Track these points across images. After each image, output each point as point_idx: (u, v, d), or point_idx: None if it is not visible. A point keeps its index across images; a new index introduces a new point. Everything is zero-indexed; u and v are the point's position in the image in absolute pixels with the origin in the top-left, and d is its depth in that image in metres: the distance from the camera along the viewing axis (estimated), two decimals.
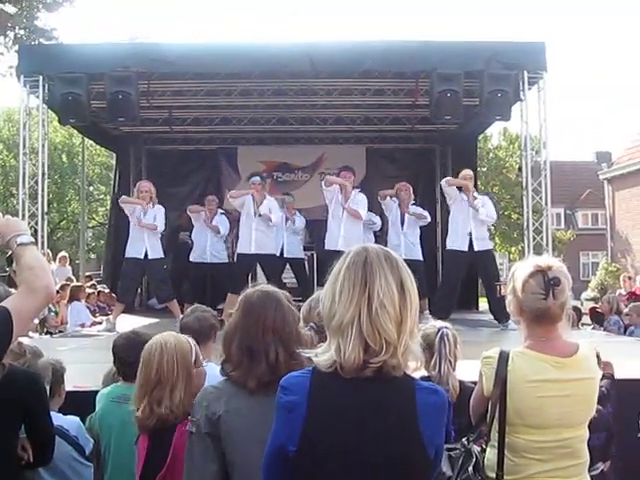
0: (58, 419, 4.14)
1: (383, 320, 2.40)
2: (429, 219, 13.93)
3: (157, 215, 12.45)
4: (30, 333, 10.89)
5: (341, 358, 2.40)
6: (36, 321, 12.07)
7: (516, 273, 3.55)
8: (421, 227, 13.66)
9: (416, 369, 2.57)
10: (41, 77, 12.95)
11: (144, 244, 12.31)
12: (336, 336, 2.44)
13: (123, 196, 13.33)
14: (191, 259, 14.33)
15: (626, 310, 12.68)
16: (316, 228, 15.56)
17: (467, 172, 12.50)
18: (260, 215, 12.41)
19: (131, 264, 12.48)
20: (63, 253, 19.47)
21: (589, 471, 3.72)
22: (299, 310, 3.52)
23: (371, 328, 2.40)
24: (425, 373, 4.37)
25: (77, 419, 4.51)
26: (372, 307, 2.41)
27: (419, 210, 13.70)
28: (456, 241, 12.32)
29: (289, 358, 3.21)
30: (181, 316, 11.34)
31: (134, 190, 12.74)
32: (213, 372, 4.54)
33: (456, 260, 12.48)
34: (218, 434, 3.16)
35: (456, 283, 12.63)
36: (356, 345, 2.39)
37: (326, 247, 12.47)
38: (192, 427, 3.23)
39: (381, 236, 14.25)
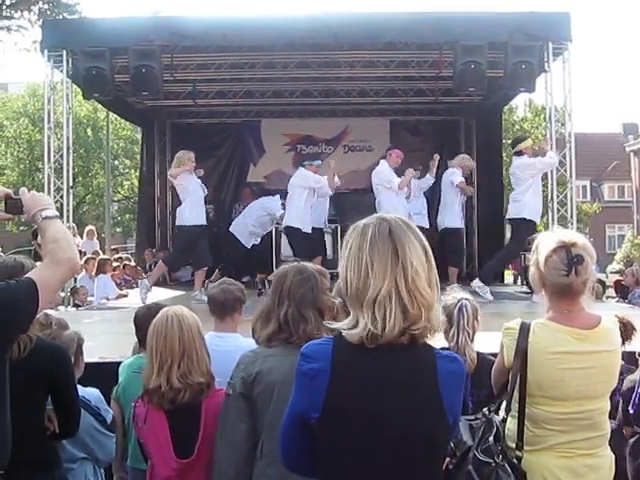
0: (79, 390, 4.19)
1: (420, 286, 2.43)
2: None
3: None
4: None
5: (379, 329, 2.40)
6: (62, 294, 12.18)
7: (540, 246, 3.52)
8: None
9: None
10: (65, 51, 12.95)
11: (204, 210, 12.27)
12: (369, 309, 2.43)
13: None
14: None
15: None
16: (340, 201, 15.57)
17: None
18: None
19: (197, 232, 12.18)
20: (90, 227, 19.56)
21: None
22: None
23: (409, 297, 2.41)
24: (444, 344, 4.38)
25: (97, 391, 4.57)
26: (408, 276, 2.42)
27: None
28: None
29: (300, 318, 3.40)
30: (197, 291, 11.58)
31: (185, 159, 12.15)
32: (239, 343, 4.62)
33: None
34: (251, 395, 3.36)
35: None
36: (398, 315, 2.40)
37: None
38: (229, 389, 3.46)
39: None
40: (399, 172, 12.67)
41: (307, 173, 12.52)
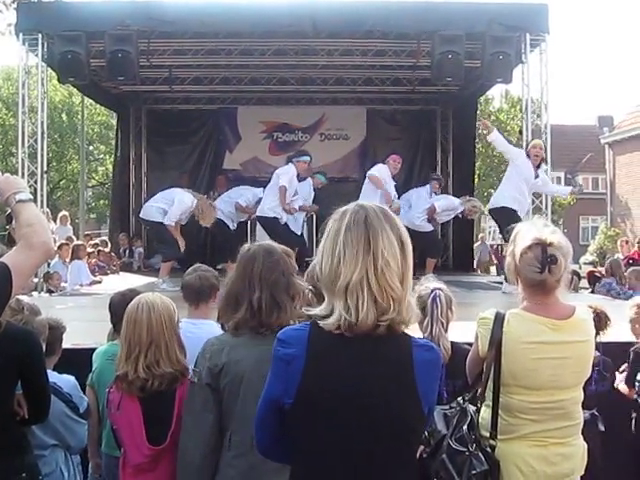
0: (52, 377, 4.14)
1: (390, 278, 2.41)
2: None
3: None
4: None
5: (353, 318, 2.39)
6: (35, 280, 12.09)
7: (517, 238, 3.53)
8: None
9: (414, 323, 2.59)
10: (40, 35, 12.85)
11: None
12: (341, 296, 2.42)
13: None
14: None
15: (625, 274, 12.71)
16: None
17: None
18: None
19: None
20: (64, 212, 19.41)
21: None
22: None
23: (378, 287, 2.40)
24: (419, 335, 4.35)
25: (72, 378, 4.53)
26: (378, 266, 2.41)
27: None
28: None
29: (273, 304, 3.32)
30: (161, 278, 11.51)
31: (207, 213, 12.41)
32: (213, 330, 4.59)
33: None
34: (218, 386, 3.28)
35: None
36: (370, 305, 2.39)
37: None
38: (194, 377, 3.37)
39: None
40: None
41: (291, 171, 12.40)
